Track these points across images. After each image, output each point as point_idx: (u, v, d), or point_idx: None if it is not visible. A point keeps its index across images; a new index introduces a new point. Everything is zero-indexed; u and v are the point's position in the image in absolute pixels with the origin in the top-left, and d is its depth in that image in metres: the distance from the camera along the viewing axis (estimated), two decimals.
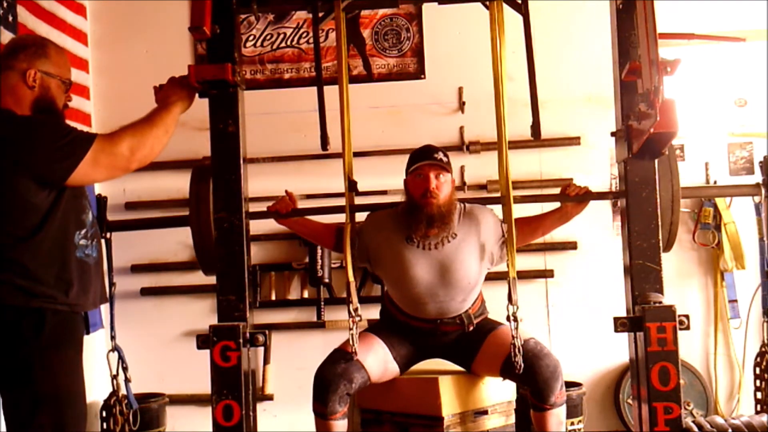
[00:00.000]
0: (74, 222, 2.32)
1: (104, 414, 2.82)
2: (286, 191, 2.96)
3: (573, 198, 2.86)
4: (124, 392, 2.99)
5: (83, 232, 2.34)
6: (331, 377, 2.71)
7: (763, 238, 3.41)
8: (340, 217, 2.68)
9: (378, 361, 2.85)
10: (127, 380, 2.89)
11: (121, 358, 2.88)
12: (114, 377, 2.91)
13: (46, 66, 2.35)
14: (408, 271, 2.86)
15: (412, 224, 2.85)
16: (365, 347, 2.81)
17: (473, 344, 2.92)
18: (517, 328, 2.53)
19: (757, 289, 4.01)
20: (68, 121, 2.50)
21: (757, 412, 3.18)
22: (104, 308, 3.00)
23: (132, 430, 2.96)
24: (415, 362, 2.99)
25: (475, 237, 2.90)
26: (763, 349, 3.19)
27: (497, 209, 2.78)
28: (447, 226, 2.85)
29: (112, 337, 2.90)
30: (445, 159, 2.86)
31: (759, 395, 3.22)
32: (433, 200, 2.81)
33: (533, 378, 2.73)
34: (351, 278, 2.60)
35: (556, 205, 2.99)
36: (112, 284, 2.85)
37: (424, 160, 2.84)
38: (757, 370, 3.23)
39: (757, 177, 4.12)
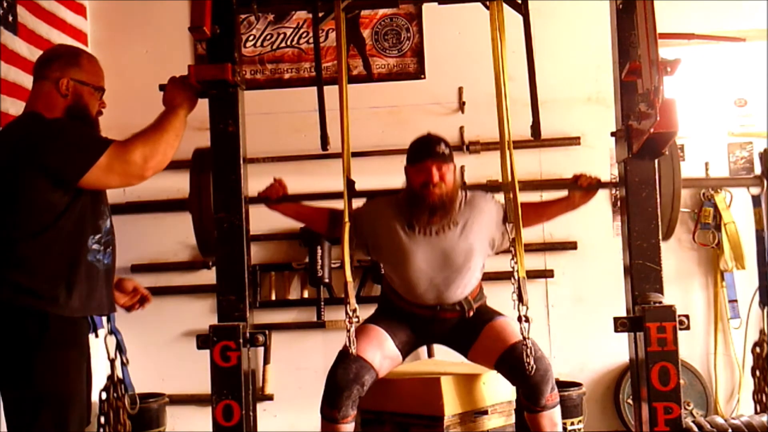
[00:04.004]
0: (90, 226, 2.34)
1: (103, 396, 2.80)
2: (274, 178, 2.94)
3: (585, 188, 2.89)
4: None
5: (97, 237, 2.36)
6: (345, 382, 2.73)
7: (763, 229, 3.38)
8: (332, 203, 2.70)
9: (384, 354, 2.85)
10: (123, 364, 2.87)
11: (118, 341, 2.83)
12: (112, 360, 2.89)
13: (79, 74, 2.40)
14: (408, 259, 2.87)
15: (414, 213, 2.86)
16: (369, 342, 2.82)
17: (471, 332, 2.91)
18: (528, 330, 2.56)
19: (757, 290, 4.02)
20: None
21: (756, 412, 3.18)
22: None
23: (130, 414, 2.93)
24: (416, 347, 3.01)
25: (477, 224, 2.91)
26: (763, 338, 3.17)
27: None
28: (449, 214, 2.86)
29: (109, 320, 2.86)
30: (447, 151, 2.86)
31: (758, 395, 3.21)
32: (436, 191, 2.82)
33: (523, 380, 2.76)
34: (349, 279, 2.60)
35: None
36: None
37: (426, 156, 2.84)
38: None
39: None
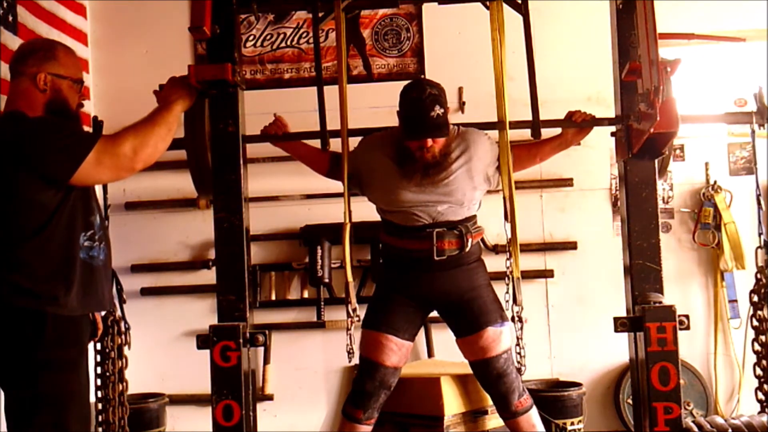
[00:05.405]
0: (82, 223, 2.33)
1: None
2: (274, 114, 2.89)
3: (578, 124, 2.84)
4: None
5: (89, 233, 2.35)
6: (373, 389, 2.82)
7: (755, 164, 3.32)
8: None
9: (398, 353, 2.87)
10: (122, 301, 2.84)
11: (115, 277, 2.78)
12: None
13: (56, 68, 2.37)
14: (400, 195, 2.82)
15: (407, 167, 2.80)
16: (382, 350, 2.84)
17: (471, 323, 2.86)
18: (522, 328, 2.61)
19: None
20: None
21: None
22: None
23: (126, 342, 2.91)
24: (420, 323, 2.98)
25: (470, 160, 2.85)
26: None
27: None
28: (443, 165, 2.80)
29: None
30: (441, 112, 2.70)
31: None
32: (428, 154, 2.76)
33: (490, 392, 2.86)
34: (350, 279, 2.62)
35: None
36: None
37: (422, 134, 2.73)
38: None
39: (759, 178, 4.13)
